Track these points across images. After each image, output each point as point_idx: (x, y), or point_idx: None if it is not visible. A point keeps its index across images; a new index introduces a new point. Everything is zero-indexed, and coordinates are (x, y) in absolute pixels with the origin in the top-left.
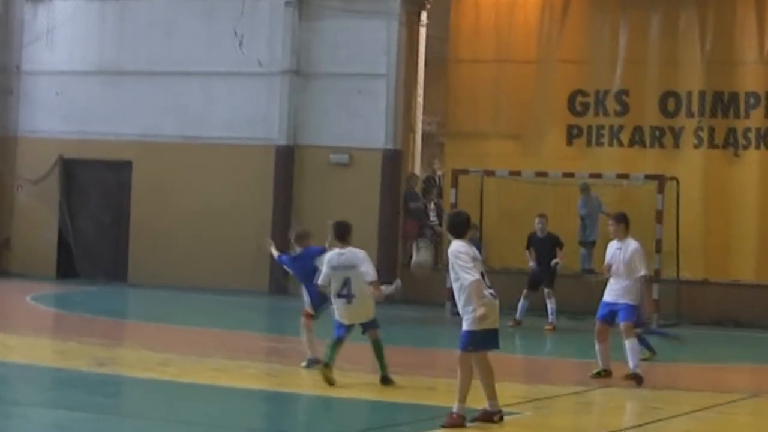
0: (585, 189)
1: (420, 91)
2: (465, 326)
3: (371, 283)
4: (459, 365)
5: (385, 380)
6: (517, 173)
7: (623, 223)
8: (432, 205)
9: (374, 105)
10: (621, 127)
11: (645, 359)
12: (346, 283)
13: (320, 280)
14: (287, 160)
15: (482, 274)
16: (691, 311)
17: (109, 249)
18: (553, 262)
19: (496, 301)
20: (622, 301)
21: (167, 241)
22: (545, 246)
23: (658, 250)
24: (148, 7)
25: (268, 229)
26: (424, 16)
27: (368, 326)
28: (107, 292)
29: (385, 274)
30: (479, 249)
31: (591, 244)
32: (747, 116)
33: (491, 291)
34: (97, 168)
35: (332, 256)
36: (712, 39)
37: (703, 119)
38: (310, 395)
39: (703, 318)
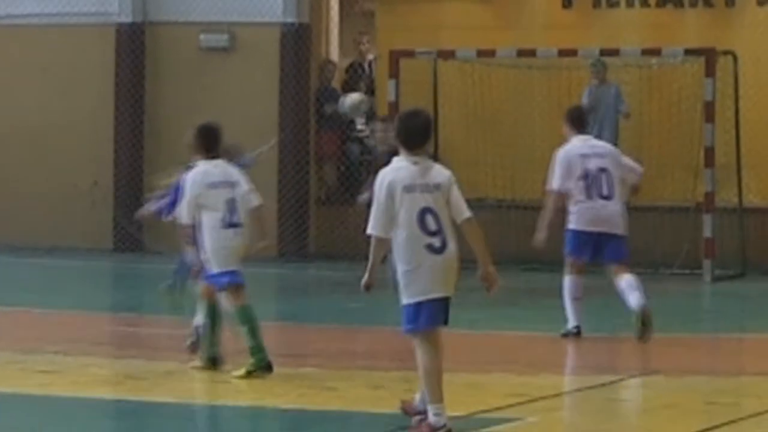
0: (598, 71)
1: None
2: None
3: (258, 209)
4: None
5: (269, 367)
6: (490, 53)
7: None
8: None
9: None
10: None
11: None
12: (232, 206)
13: (186, 217)
14: (135, 46)
15: (422, 212)
16: (763, 254)
17: None
18: None
19: (443, 256)
20: None
21: None
22: None
23: (710, 164)
24: None
25: (110, 153)
26: None
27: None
28: None
29: (291, 217)
30: None
31: None
32: None
33: (432, 240)
34: None
35: (203, 171)
36: None
37: None
38: (192, 405)
39: None
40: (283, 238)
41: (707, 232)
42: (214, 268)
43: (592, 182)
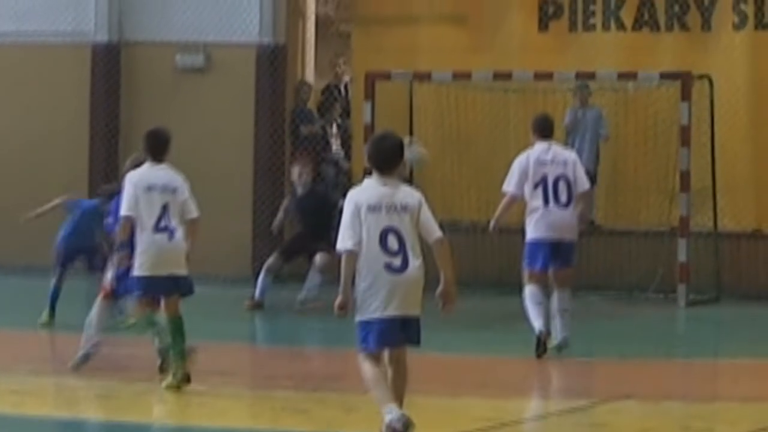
0: (583, 94)
1: None
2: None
3: (194, 222)
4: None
5: (186, 379)
6: (466, 76)
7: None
8: (335, 129)
9: None
10: (621, 1)
11: None
12: (165, 211)
13: (125, 209)
14: (110, 66)
15: (385, 232)
16: (738, 279)
17: None
18: None
19: (402, 276)
20: None
21: None
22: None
23: (685, 188)
24: None
25: (84, 173)
26: None
27: (179, 287)
28: None
29: (266, 238)
30: None
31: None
32: None
33: (392, 260)
34: None
35: (144, 172)
36: None
37: None
38: (166, 426)
39: (755, 289)
40: (258, 257)
41: (682, 257)
42: (137, 272)
43: (550, 189)
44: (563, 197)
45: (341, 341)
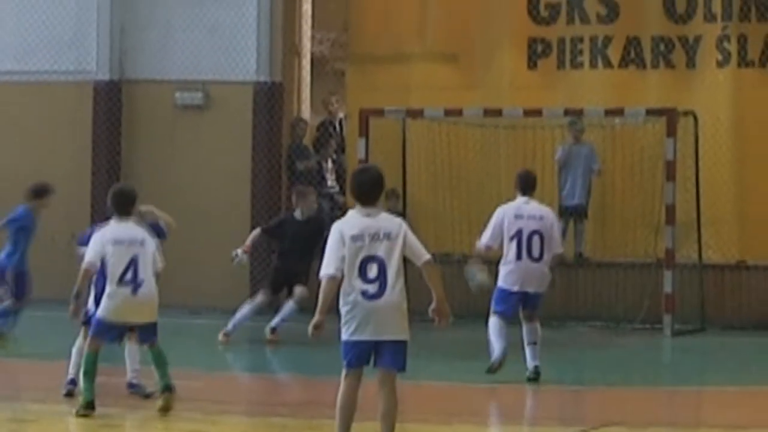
0: (576, 130)
1: None
2: None
3: (160, 271)
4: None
5: (169, 389)
6: (457, 112)
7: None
8: (330, 164)
9: (239, 17)
10: (608, 40)
11: None
12: (133, 263)
13: (86, 260)
14: (112, 103)
15: (365, 261)
16: (722, 310)
17: None
18: None
19: (377, 302)
20: None
21: None
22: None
23: (670, 221)
24: None
25: (87, 207)
26: None
27: (149, 332)
28: None
29: (262, 270)
30: None
31: (575, 211)
32: None
33: (368, 287)
34: None
35: (111, 228)
36: None
37: (729, 24)
38: None
39: (739, 319)
40: (256, 289)
41: (668, 288)
42: (99, 312)
43: (524, 243)
44: (536, 252)
45: (336, 370)
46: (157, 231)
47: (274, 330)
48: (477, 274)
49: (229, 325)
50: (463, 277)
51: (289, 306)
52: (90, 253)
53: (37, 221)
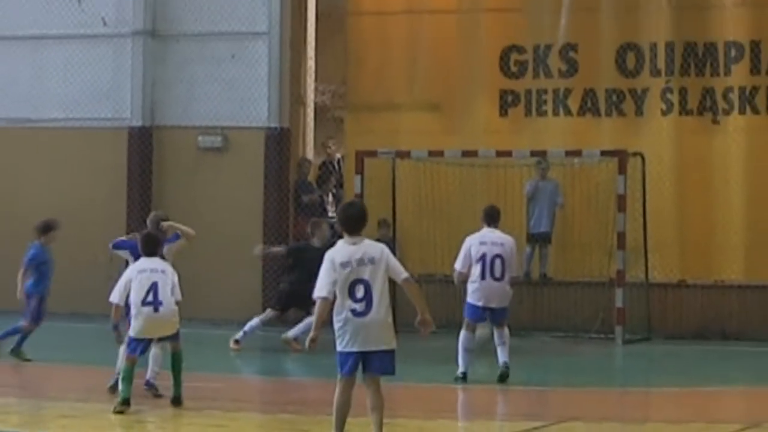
0: (543, 168)
1: (311, 52)
2: None
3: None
4: None
5: (177, 401)
6: (439, 153)
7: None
8: (330, 198)
9: (253, 72)
10: (568, 91)
11: None
12: (154, 288)
13: (114, 296)
14: (144, 146)
15: (353, 283)
16: (665, 322)
17: None
18: None
19: (364, 319)
20: None
21: None
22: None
23: (622, 246)
24: None
25: (122, 230)
26: None
27: (173, 339)
28: None
29: (273, 288)
30: (393, 251)
31: (541, 238)
32: (727, 73)
33: (356, 306)
34: None
35: (139, 263)
36: None
37: (672, 78)
38: None
39: (680, 330)
40: (266, 304)
41: (619, 303)
42: (130, 332)
43: (487, 265)
44: (498, 272)
45: (334, 374)
46: (176, 235)
47: (287, 339)
48: (480, 331)
49: (239, 334)
50: (444, 293)
51: (307, 321)
52: (116, 294)
53: (49, 252)
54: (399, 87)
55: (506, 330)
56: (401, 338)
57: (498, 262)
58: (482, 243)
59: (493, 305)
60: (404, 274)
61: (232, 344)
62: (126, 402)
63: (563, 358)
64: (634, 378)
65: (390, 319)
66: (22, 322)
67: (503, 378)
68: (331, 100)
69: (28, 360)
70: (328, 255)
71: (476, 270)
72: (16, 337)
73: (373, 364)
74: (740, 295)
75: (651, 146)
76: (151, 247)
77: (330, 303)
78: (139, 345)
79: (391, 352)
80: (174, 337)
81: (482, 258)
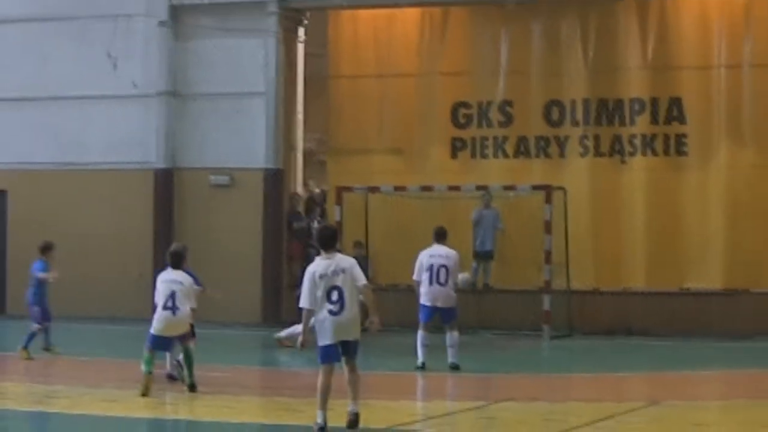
0: (486, 199)
1: (300, 108)
2: None
3: (193, 309)
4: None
5: (192, 387)
6: (402, 188)
7: None
8: (316, 224)
9: (254, 124)
10: (505, 138)
11: None
12: (173, 295)
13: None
14: (166, 184)
15: (330, 289)
16: (583, 321)
17: None
18: None
19: (338, 317)
20: None
21: None
22: None
23: (548, 261)
24: (20, 31)
25: (150, 255)
26: (301, 32)
27: (184, 337)
28: None
29: (271, 296)
30: (365, 267)
31: (485, 255)
32: (632, 123)
33: (332, 307)
34: None
35: (164, 274)
36: (595, 46)
37: (588, 127)
38: (199, 422)
39: (595, 328)
40: (265, 309)
41: (546, 306)
42: (151, 330)
43: (434, 273)
44: (442, 279)
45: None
46: (198, 282)
47: (280, 338)
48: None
49: (283, 333)
50: (408, 299)
51: (297, 326)
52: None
53: (49, 267)
54: (371, 135)
55: (456, 333)
56: (373, 336)
57: (443, 270)
58: (431, 256)
59: (439, 305)
60: (362, 281)
61: (279, 341)
62: (149, 373)
63: (501, 350)
64: (558, 366)
65: (359, 317)
66: (34, 326)
67: (453, 368)
68: (317, 146)
69: (58, 353)
70: (309, 270)
71: (425, 277)
72: (41, 337)
73: (348, 350)
74: (643, 299)
75: (571, 182)
76: (176, 260)
77: (313, 312)
78: (158, 341)
79: (357, 342)
80: (187, 336)
81: (430, 267)
